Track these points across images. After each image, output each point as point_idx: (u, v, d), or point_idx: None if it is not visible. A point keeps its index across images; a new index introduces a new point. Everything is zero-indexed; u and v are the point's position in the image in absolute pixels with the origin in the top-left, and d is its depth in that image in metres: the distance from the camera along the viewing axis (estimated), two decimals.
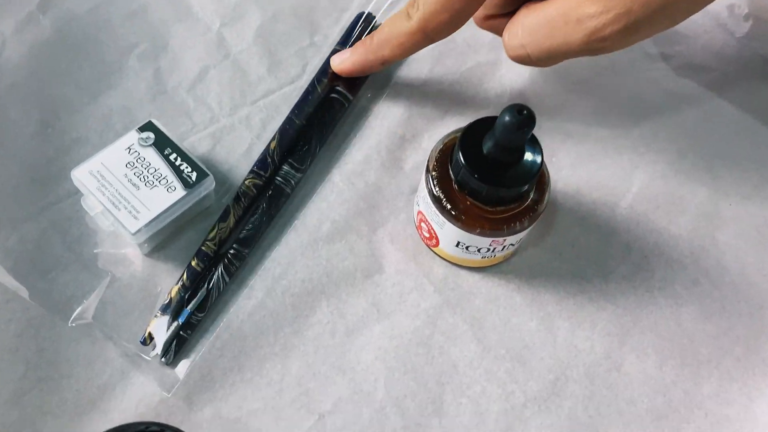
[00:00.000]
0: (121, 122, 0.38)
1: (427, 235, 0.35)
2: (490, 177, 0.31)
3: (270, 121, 0.39)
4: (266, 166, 0.36)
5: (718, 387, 0.34)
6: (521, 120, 0.29)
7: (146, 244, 0.34)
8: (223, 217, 0.35)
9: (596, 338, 0.35)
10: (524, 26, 0.32)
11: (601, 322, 0.35)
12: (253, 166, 0.36)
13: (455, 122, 0.40)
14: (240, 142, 0.38)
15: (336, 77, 0.39)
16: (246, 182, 0.35)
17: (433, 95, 0.41)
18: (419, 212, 0.35)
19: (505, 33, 0.34)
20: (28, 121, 0.37)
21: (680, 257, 0.37)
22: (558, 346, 0.34)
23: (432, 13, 0.34)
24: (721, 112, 0.42)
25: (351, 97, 0.39)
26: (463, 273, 0.36)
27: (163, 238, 0.35)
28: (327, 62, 0.40)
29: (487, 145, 0.31)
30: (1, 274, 0.33)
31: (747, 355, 0.35)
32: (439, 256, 0.36)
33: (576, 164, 0.40)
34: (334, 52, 0.40)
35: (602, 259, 0.37)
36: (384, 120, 0.40)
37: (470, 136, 0.31)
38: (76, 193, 0.34)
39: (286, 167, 0.36)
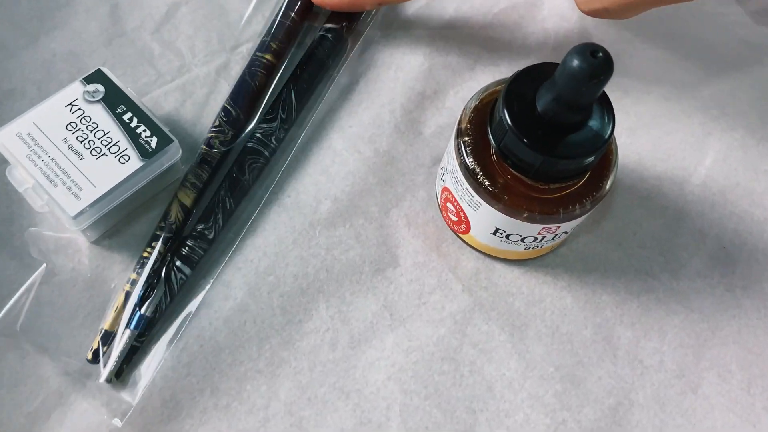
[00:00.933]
0: (66, 71, 0.30)
1: (455, 218, 0.27)
2: (547, 143, 0.23)
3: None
4: (236, 122, 0.28)
5: None
6: (595, 65, 0.21)
7: (93, 230, 0.26)
8: (184, 187, 0.27)
9: (666, 351, 0.27)
10: None
11: (671, 330, 0.28)
12: (216, 119, 0.28)
13: (488, 75, 0.32)
14: (216, 97, 0.30)
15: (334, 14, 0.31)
16: (210, 140, 0.28)
17: (458, 41, 0.33)
18: (444, 189, 0.27)
19: None
20: None
21: (767, 248, 0.30)
22: (619, 361, 0.27)
23: None
24: None
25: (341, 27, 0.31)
26: (499, 267, 0.28)
27: (115, 222, 0.27)
28: None
29: (544, 101, 0.23)
30: None
31: None
32: (468, 245, 0.28)
33: (636, 129, 0.32)
34: None
35: (671, 249, 0.29)
36: (398, 71, 0.32)
37: (519, 89, 0.24)
38: (3, 163, 0.27)
39: (256, 124, 0.28)
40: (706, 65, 0.34)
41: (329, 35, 0.30)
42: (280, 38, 0.30)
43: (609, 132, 0.23)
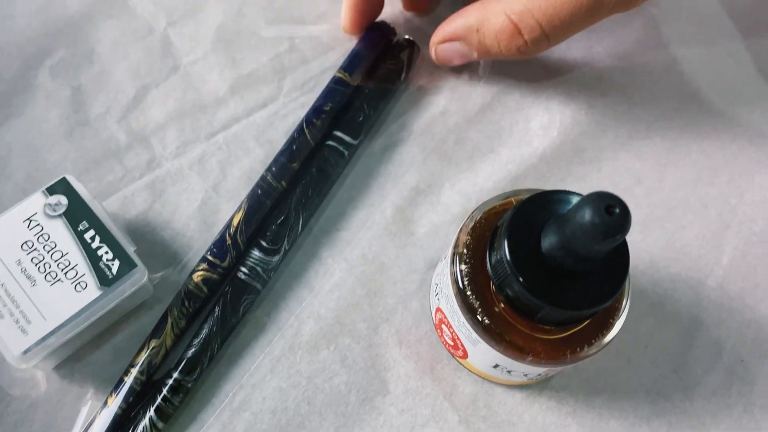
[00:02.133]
0: (23, 168, 0.27)
1: (451, 343, 0.25)
2: (553, 290, 0.20)
3: (232, 163, 0.28)
4: (225, 251, 0.25)
5: None
6: (611, 224, 0.18)
7: (48, 361, 0.24)
8: (157, 330, 0.24)
9: None
10: (540, 13, 0.27)
11: None
12: (207, 252, 0.26)
13: (486, 164, 0.29)
14: (190, 196, 0.28)
15: (334, 120, 0.28)
16: (195, 277, 0.25)
17: (455, 126, 0.30)
18: (439, 309, 0.25)
19: (523, 29, 0.27)
20: None
21: None
22: None
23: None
24: None
25: (354, 142, 0.28)
26: (499, 392, 0.26)
27: (75, 350, 0.24)
28: (324, 94, 0.29)
29: (549, 243, 0.20)
30: None
31: None
32: (466, 368, 0.26)
33: (648, 224, 0.29)
34: (336, 79, 0.29)
35: (685, 364, 0.27)
36: (388, 164, 0.29)
37: (522, 223, 0.21)
38: None
39: (256, 252, 0.26)
40: (725, 146, 0.31)
41: (337, 144, 0.28)
42: (302, 158, 0.27)
43: (624, 274, 0.21)
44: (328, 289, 0.27)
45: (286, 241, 0.25)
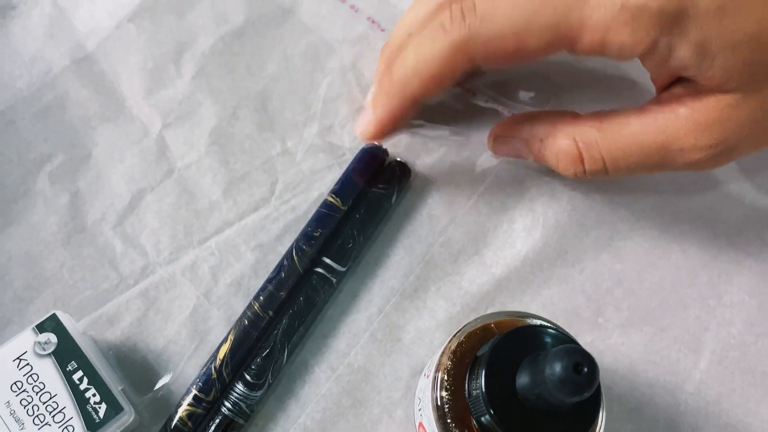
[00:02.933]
0: (21, 277, 0.28)
1: None
2: (524, 427, 0.21)
3: (224, 269, 0.29)
4: (210, 385, 0.26)
5: None
6: (579, 381, 0.19)
7: None
8: None
9: None
10: (607, 151, 0.28)
11: None
12: (193, 385, 0.26)
13: (471, 267, 0.30)
14: (182, 303, 0.29)
15: (321, 249, 0.29)
16: (180, 412, 0.26)
17: (439, 227, 0.31)
18: (421, 425, 0.26)
19: (586, 158, 0.28)
20: None
21: None
22: None
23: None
24: None
25: (342, 269, 0.29)
26: None
27: None
28: (313, 221, 0.30)
29: (522, 384, 0.21)
30: None
31: None
32: None
33: (628, 326, 0.30)
34: (327, 204, 0.30)
35: None
36: (377, 267, 0.30)
37: (499, 359, 0.22)
38: None
39: (240, 387, 0.26)
40: (705, 245, 0.32)
41: (328, 274, 0.28)
42: (290, 286, 0.28)
43: (595, 414, 0.21)
44: (314, 400, 0.27)
45: (270, 375, 0.26)
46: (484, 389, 0.21)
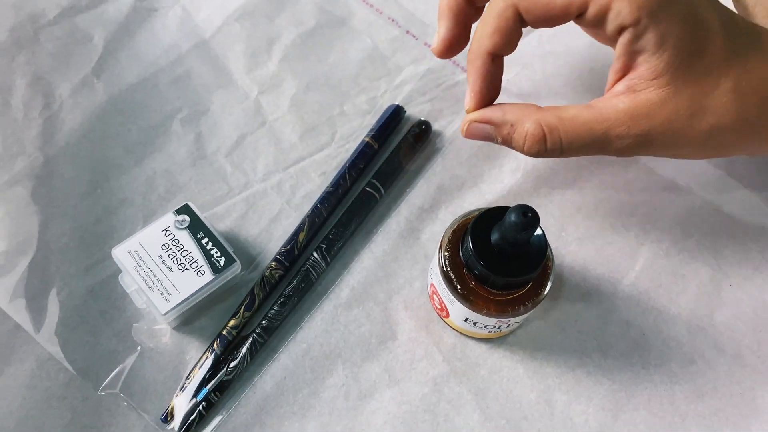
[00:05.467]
0: (163, 185, 0.42)
1: (439, 306, 0.38)
2: (497, 265, 0.33)
3: (299, 187, 0.42)
4: (291, 257, 0.39)
5: None
6: (525, 221, 0.31)
7: (175, 321, 0.37)
8: (249, 305, 0.38)
9: (591, 412, 0.37)
10: (565, 134, 0.35)
11: (597, 397, 0.37)
12: (278, 254, 0.39)
13: (471, 196, 0.43)
14: (271, 207, 0.41)
15: (373, 171, 0.42)
16: (270, 270, 0.39)
17: (450, 167, 0.44)
18: (431, 285, 0.38)
19: (549, 139, 0.35)
20: (80, 182, 0.41)
21: (677, 336, 0.39)
22: (555, 418, 0.37)
23: None
24: (729, 192, 0.44)
25: (383, 191, 0.42)
26: (471, 343, 0.38)
27: (191, 313, 0.38)
28: (357, 153, 0.43)
29: (495, 237, 0.33)
30: (41, 336, 0.37)
31: None
32: (449, 326, 0.39)
33: (584, 239, 0.42)
34: (364, 143, 0.43)
35: (602, 335, 0.39)
36: (404, 190, 0.43)
37: (480, 225, 0.34)
38: (117, 270, 0.38)
39: (315, 254, 0.39)
40: (646, 188, 0.44)
41: (372, 190, 0.42)
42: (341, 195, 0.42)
43: (542, 258, 0.33)
44: (359, 270, 0.40)
45: (332, 252, 0.40)
46: (471, 243, 0.34)
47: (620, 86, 0.34)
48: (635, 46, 0.33)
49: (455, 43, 0.38)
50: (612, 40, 0.34)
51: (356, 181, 0.42)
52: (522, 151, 0.36)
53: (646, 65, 0.33)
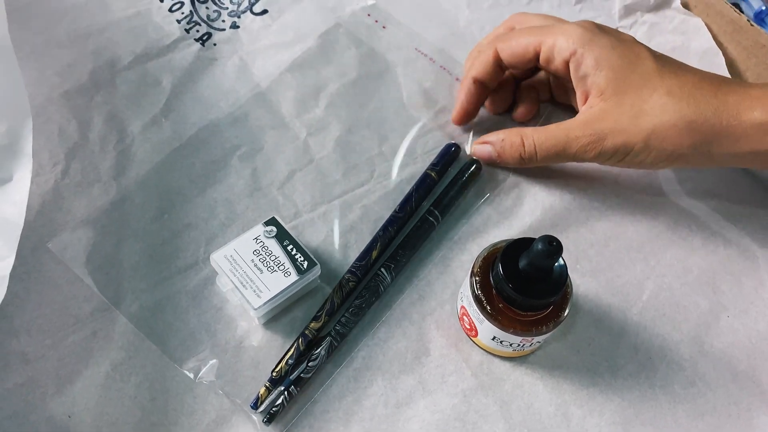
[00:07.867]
0: (223, 212, 0.47)
1: (468, 327, 0.43)
2: (524, 288, 0.38)
3: (343, 217, 0.47)
4: (364, 270, 0.45)
5: None
6: (551, 249, 0.36)
7: (264, 318, 0.42)
8: (329, 310, 0.43)
9: (603, 426, 0.41)
10: (538, 142, 0.46)
11: (608, 412, 0.42)
12: (353, 267, 0.45)
13: (495, 232, 0.48)
14: (317, 234, 0.47)
15: (435, 199, 0.48)
16: (346, 280, 0.44)
17: (476, 209, 0.49)
18: (462, 307, 0.43)
19: (525, 146, 0.47)
20: (149, 207, 0.46)
21: (680, 360, 0.44)
22: (571, 429, 0.41)
23: None
24: (725, 234, 0.49)
25: (441, 219, 0.47)
26: (496, 361, 0.43)
27: (277, 312, 0.43)
28: (421, 180, 0.48)
29: (523, 263, 0.38)
30: (135, 334, 0.41)
31: None
32: (477, 345, 0.43)
33: (596, 271, 0.47)
34: (426, 175, 0.49)
35: (613, 357, 0.44)
36: (441, 226, 0.48)
37: (509, 254, 0.39)
38: (190, 268, 0.43)
39: (383, 271, 0.44)
40: (650, 228, 0.49)
41: (432, 219, 0.47)
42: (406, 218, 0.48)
43: (564, 283, 0.38)
44: (397, 292, 0.45)
45: (390, 271, 0.45)
46: (501, 269, 0.39)
47: (581, 109, 0.45)
48: (580, 71, 0.44)
49: (469, 114, 0.51)
50: (566, 74, 0.45)
51: (416, 209, 0.48)
52: (509, 160, 0.48)
53: (594, 87, 0.43)
